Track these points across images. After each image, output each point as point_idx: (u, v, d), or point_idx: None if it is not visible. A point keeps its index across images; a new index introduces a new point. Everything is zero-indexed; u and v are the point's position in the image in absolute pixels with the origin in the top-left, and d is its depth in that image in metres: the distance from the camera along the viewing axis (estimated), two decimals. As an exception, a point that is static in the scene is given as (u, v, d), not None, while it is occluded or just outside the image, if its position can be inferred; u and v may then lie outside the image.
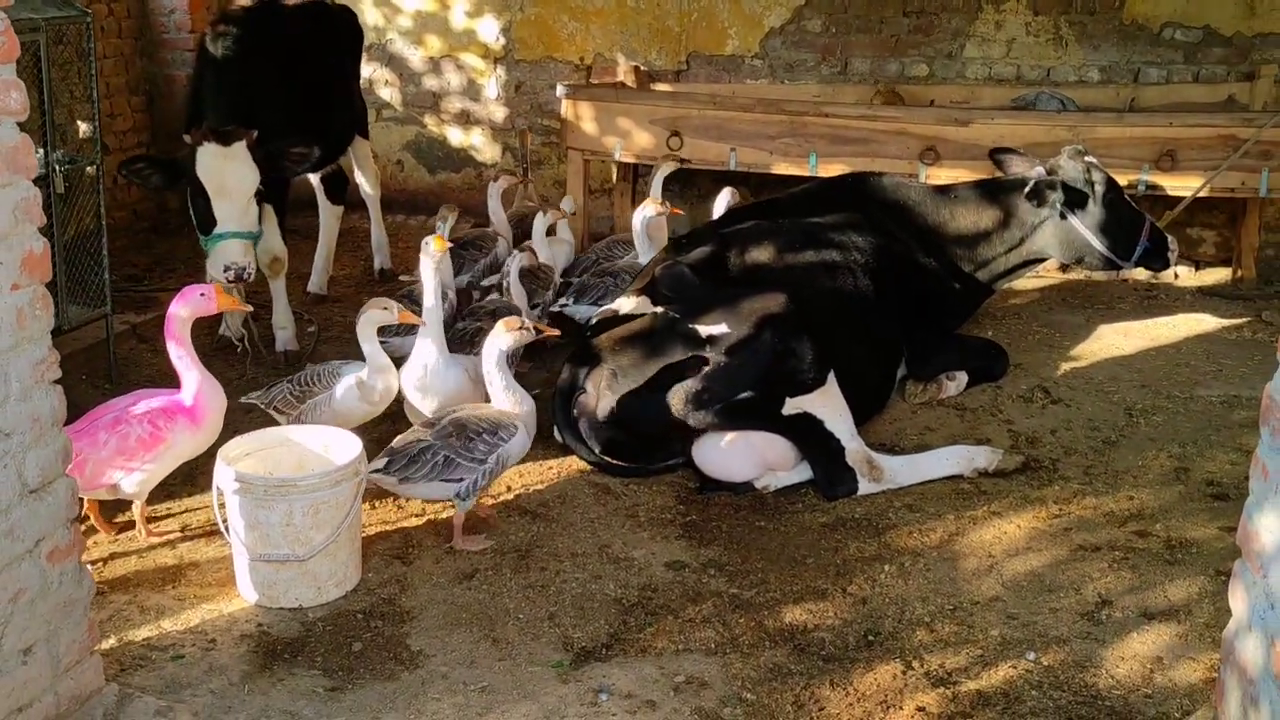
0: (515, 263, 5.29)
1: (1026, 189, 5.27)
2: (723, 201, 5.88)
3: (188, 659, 3.28)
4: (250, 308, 4.50)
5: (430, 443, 3.80)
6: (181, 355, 3.81)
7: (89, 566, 2.96)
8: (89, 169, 5.09)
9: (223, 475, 3.54)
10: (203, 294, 3.81)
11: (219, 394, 3.88)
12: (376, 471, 3.78)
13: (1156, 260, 5.50)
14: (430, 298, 4.39)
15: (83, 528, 3.96)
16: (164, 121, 7.80)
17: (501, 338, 3.97)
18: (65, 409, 2.71)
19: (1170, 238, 5.55)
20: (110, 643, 3.33)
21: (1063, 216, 5.32)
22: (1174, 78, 7.04)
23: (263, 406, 4.32)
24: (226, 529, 3.59)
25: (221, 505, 3.59)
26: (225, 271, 4.74)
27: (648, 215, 5.56)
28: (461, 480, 3.79)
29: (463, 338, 4.90)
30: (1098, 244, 5.35)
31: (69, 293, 5.02)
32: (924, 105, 6.93)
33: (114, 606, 3.53)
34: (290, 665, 3.27)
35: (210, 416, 3.84)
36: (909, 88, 7.23)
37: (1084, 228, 5.33)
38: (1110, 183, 5.39)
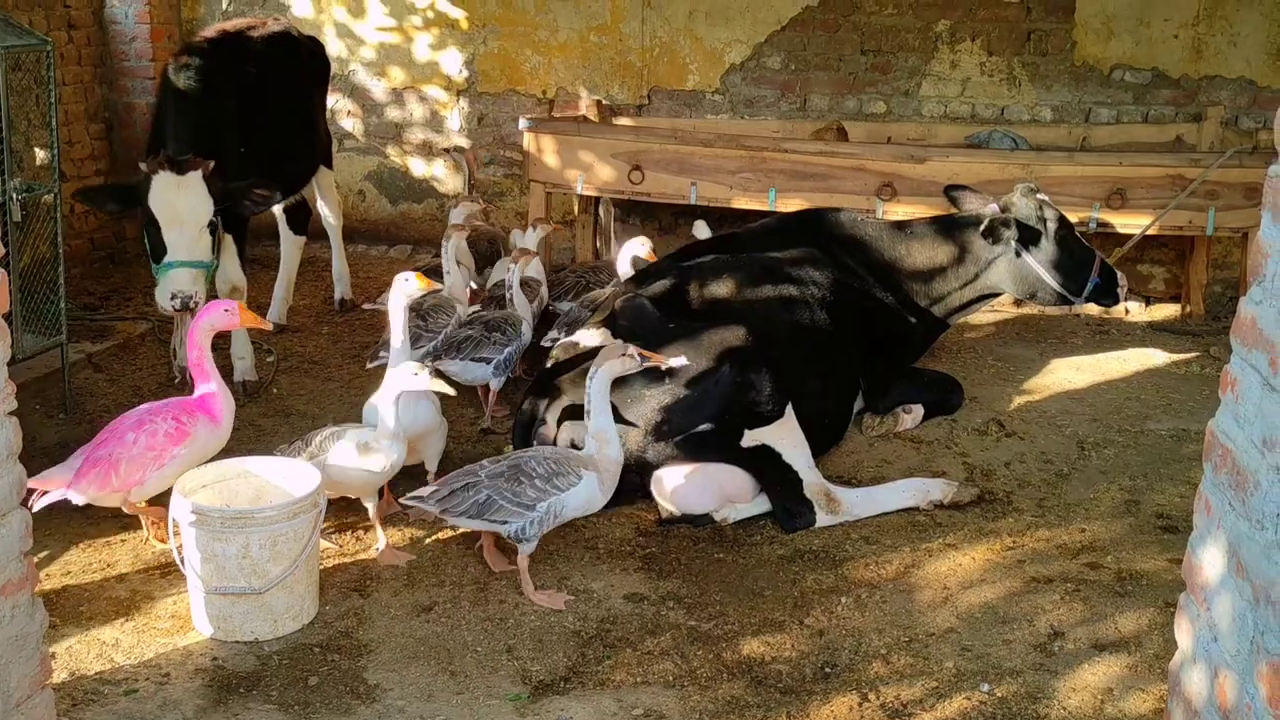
0: (516, 272, 5.32)
1: (982, 227, 5.37)
2: (700, 231, 5.95)
3: (141, 694, 3.25)
4: (270, 325, 4.35)
5: (477, 479, 3.69)
6: (200, 361, 3.90)
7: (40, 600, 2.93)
8: (46, 197, 5.06)
9: (179, 507, 3.52)
10: (226, 309, 3.91)
11: (230, 399, 3.97)
12: (416, 498, 3.72)
13: (1106, 296, 5.62)
14: (398, 334, 4.31)
15: (149, 534, 4.05)
16: (123, 149, 7.77)
17: (609, 365, 3.75)
18: (20, 441, 2.68)
19: (1120, 274, 5.66)
20: (62, 677, 3.29)
21: (1016, 254, 5.43)
22: (1124, 118, 7.21)
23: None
24: (182, 561, 3.56)
25: (177, 536, 3.56)
26: (171, 300, 4.72)
27: (636, 254, 5.55)
28: (507, 523, 3.66)
29: (452, 345, 4.95)
30: (1050, 280, 5.45)
31: (24, 321, 4.97)
32: (881, 141, 7.04)
33: (66, 641, 3.49)
34: (245, 700, 3.25)
35: (226, 416, 3.92)
36: (866, 124, 7.34)
37: (1037, 264, 5.43)
38: (1062, 220, 5.50)
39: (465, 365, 4.99)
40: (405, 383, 3.88)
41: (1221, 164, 6.10)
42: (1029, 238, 5.41)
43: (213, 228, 4.83)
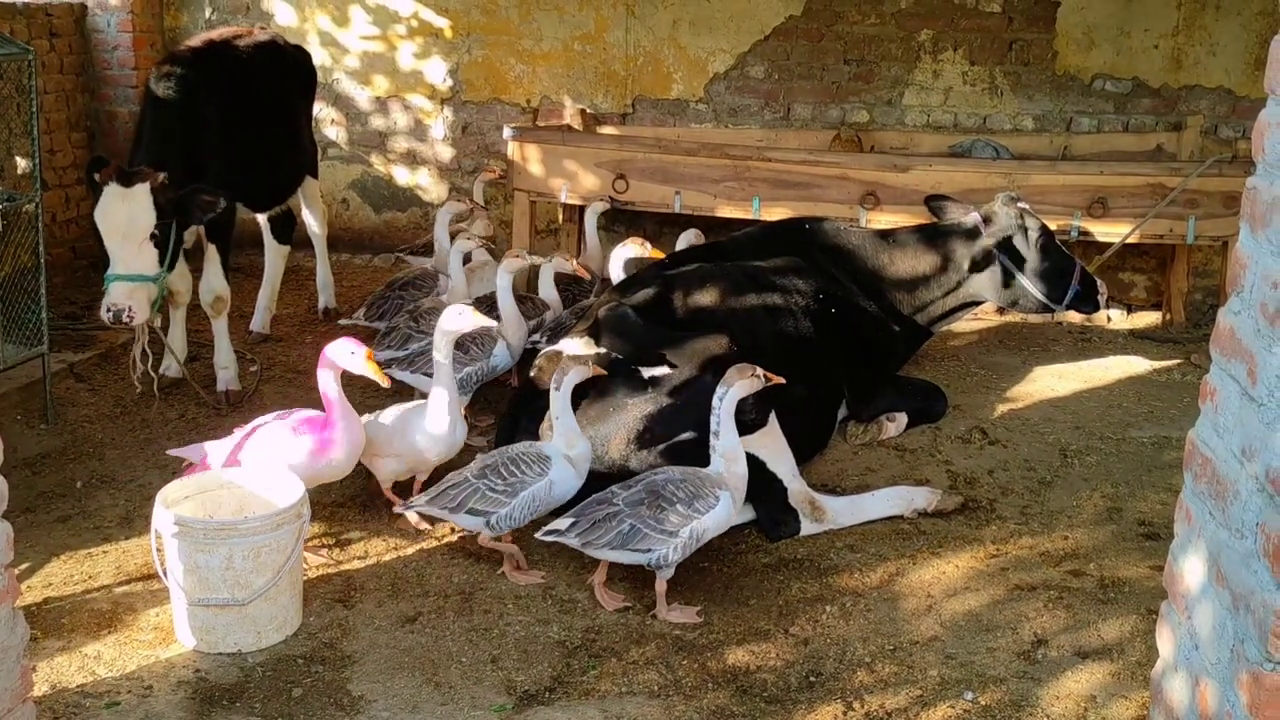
0: (549, 268, 5.38)
1: (967, 263, 5.41)
2: (684, 242, 5.95)
3: (123, 706, 3.23)
4: (388, 382, 4.12)
5: (617, 509, 3.65)
6: (326, 395, 3.94)
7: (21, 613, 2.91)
8: (28, 206, 5.04)
9: (161, 518, 3.50)
10: (352, 352, 3.91)
11: (356, 426, 3.99)
12: (556, 532, 3.70)
13: (1087, 303, 5.65)
14: (442, 352, 4.18)
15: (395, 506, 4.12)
16: (106, 158, 7.72)
17: (737, 385, 3.71)
18: (0, 452, 2.67)
19: (1100, 281, 5.70)
20: (43, 690, 3.27)
21: (993, 263, 5.46)
22: (1105, 127, 7.26)
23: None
24: (165, 573, 3.55)
25: (160, 549, 3.55)
26: (106, 313, 4.69)
27: (629, 255, 5.54)
28: (651, 551, 3.62)
29: (413, 355, 5.00)
30: (1032, 288, 5.49)
31: (5, 331, 4.95)
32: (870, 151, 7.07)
33: (47, 653, 3.47)
34: (228, 712, 3.23)
35: (339, 450, 3.93)
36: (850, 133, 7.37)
37: (1018, 272, 5.46)
38: (1043, 229, 5.53)
39: (419, 378, 4.99)
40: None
41: (1201, 173, 6.15)
42: (1010, 252, 5.44)
43: (156, 240, 4.75)
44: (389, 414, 4.28)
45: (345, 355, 3.93)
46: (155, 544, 3.56)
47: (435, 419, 4.17)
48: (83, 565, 4.02)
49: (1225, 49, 7.04)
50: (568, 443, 3.91)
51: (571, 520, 3.70)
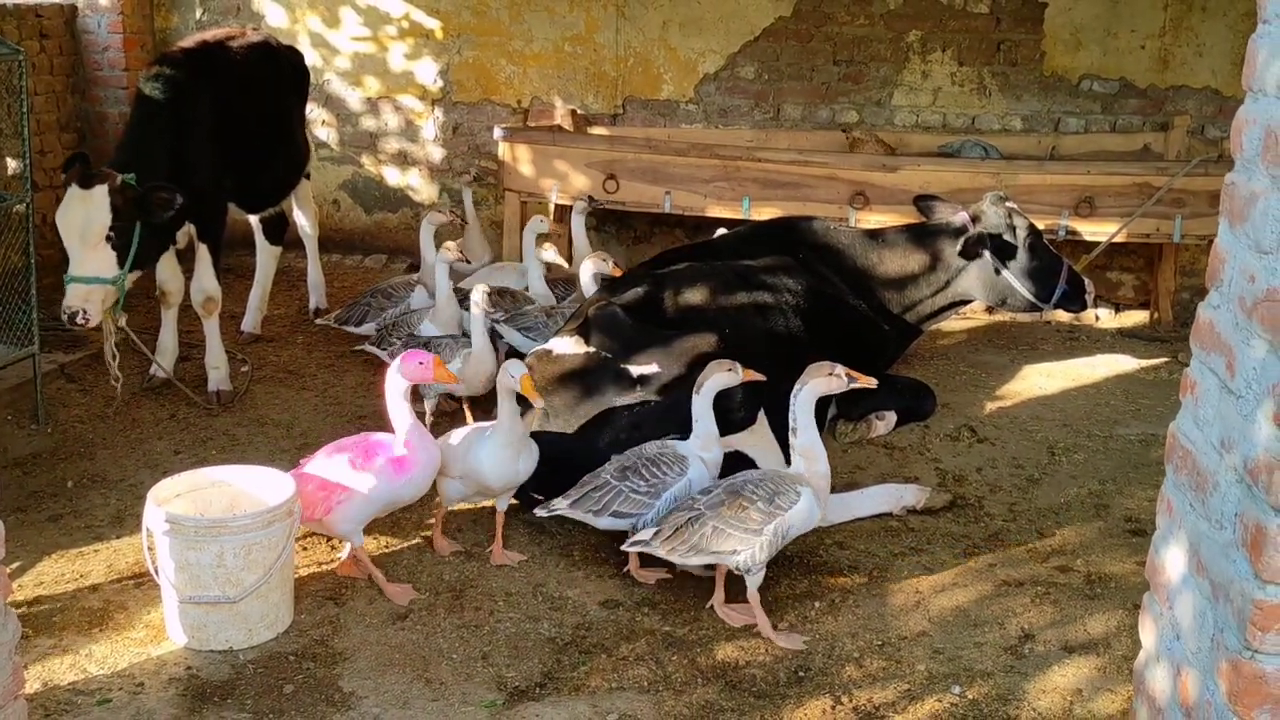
0: (588, 268, 5.38)
1: (959, 247, 5.43)
2: (592, 268, 5.78)
3: (115, 703, 3.24)
4: (460, 383, 4.04)
5: (699, 513, 3.61)
6: (395, 412, 3.80)
7: (12, 610, 2.92)
8: (18, 206, 5.04)
9: (152, 516, 3.51)
10: (420, 362, 3.78)
11: (430, 445, 3.83)
12: (642, 542, 3.68)
13: (1074, 302, 5.68)
14: (505, 406, 3.97)
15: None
16: (96, 159, 7.62)
17: (814, 383, 3.65)
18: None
19: (1087, 280, 5.73)
20: (35, 687, 3.28)
21: (983, 261, 5.49)
22: (1092, 127, 7.30)
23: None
24: (156, 571, 3.56)
25: (151, 547, 3.56)
26: (64, 314, 4.69)
27: (597, 271, 5.41)
28: (736, 553, 3.57)
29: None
30: (1020, 287, 5.52)
31: (-5, 331, 4.96)
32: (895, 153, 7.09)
33: (39, 650, 3.47)
34: (220, 709, 3.24)
35: (419, 468, 3.78)
36: (838, 134, 7.40)
37: (1006, 271, 5.50)
38: (1031, 228, 5.57)
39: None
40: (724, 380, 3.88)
41: (1187, 173, 6.19)
42: (998, 246, 5.48)
43: (113, 242, 4.73)
44: (456, 435, 4.10)
45: (414, 369, 3.77)
46: (146, 542, 3.57)
47: (499, 443, 3.96)
48: (74, 564, 4.02)
49: (1211, 49, 7.09)
50: (704, 445, 3.87)
51: (655, 529, 3.67)
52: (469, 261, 6.21)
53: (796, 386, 3.65)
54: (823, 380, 3.64)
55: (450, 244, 5.58)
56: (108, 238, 4.72)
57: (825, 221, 5.82)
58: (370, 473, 3.75)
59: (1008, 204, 5.57)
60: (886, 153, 7.02)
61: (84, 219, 4.67)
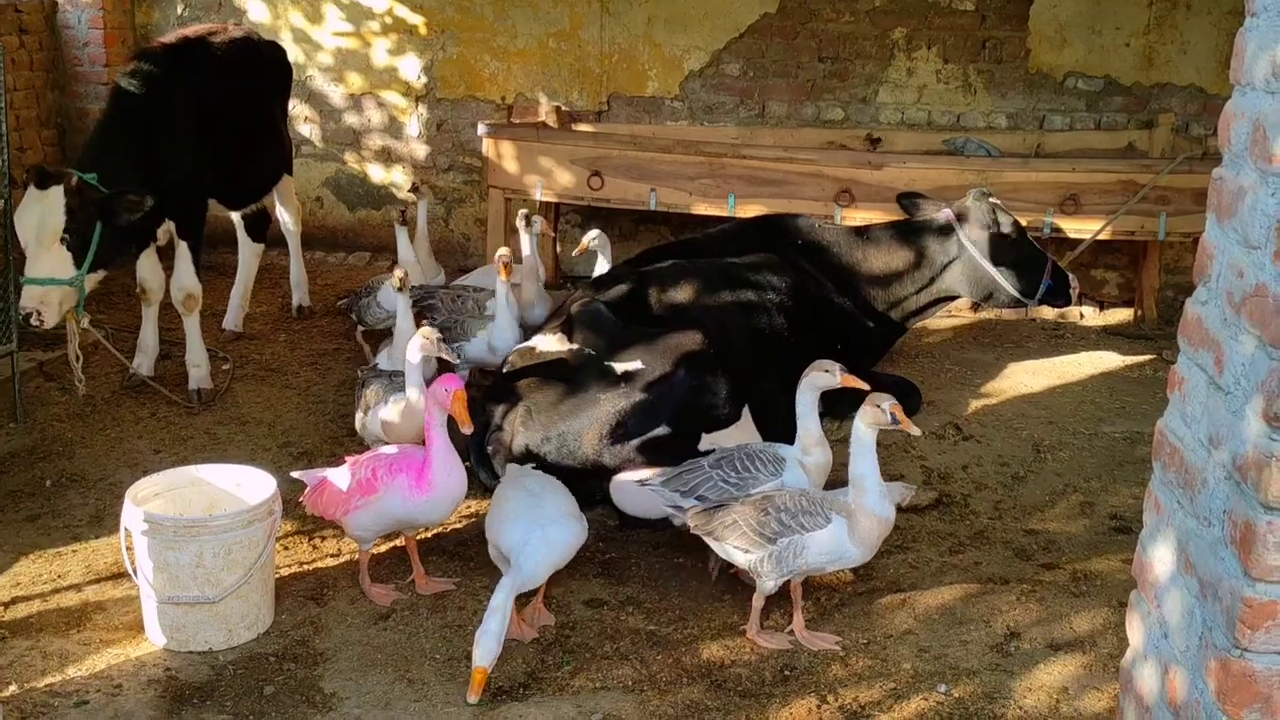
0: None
1: (942, 256, 5.44)
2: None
3: (92, 705, 3.20)
4: (470, 428, 3.69)
5: (731, 502, 3.61)
6: (431, 426, 3.67)
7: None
8: (-3, 203, 4.98)
9: (131, 516, 3.47)
10: (446, 389, 3.62)
11: (454, 471, 3.67)
12: (679, 509, 3.72)
13: (1059, 297, 5.68)
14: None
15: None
16: (76, 155, 7.64)
17: (811, 377, 3.66)
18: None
19: (1071, 275, 5.74)
20: (12, 689, 3.23)
21: (968, 258, 5.49)
22: (1077, 125, 7.30)
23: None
24: (134, 571, 3.51)
25: (129, 547, 3.52)
26: (21, 315, 4.65)
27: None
28: (748, 552, 3.50)
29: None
30: (1004, 282, 5.52)
31: (-28, 329, 4.89)
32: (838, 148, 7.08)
33: (16, 652, 3.43)
34: (199, 710, 3.21)
35: (441, 489, 3.65)
36: (824, 131, 7.38)
37: (991, 267, 5.49)
38: (1015, 224, 5.56)
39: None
40: (822, 382, 3.78)
41: (1172, 170, 6.19)
42: (983, 242, 5.48)
43: (67, 243, 4.66)
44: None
45: (441, 394, 3.64)
46: (125, 542, 3.53)
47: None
48: (52, 564, 3.98)
49: (1196, 47, 7.10)
50: (804, 448, 3.79)
51: (695, 503, 3.70)
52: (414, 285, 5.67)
53: (858, 419, 3.54)
54: (818, 375, 3.71)
55: (398, 270, 5.01)
56: (63, 239, 4.66)
57: (810, 219, 5.81)
58: (390, 487, 3.66)
59: (991, 199, 5.57)
60: (869, 148, 7.02)
61: (39, 220, 4.62)
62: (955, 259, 5.51)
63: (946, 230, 5.51)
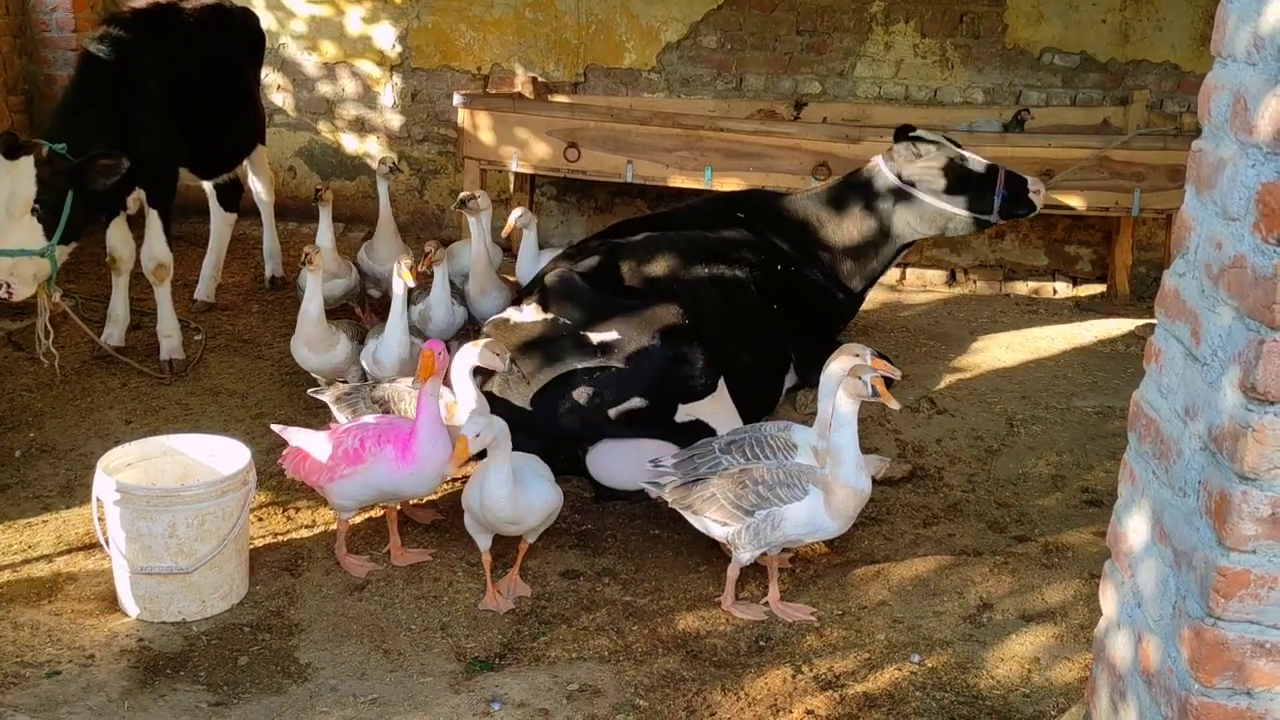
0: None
1: (885, 203, 5.36)
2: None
3: (64, 676, 3.17)
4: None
5: (709, 476, 3.58)
6: (423, 398, 3.62)
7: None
8: (-37, 171, 4.89)
9: (103, 486, 3.44)
10: (438, 354, 3.63)
11: (441, 443, 3.59)
12: (656, 484, 3.66)
13: (1020, 205, 5.47)
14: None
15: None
16: (44, 121, 7.51)
17: (838, 362, 3.54)
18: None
19: (1030, 178, 5.51)
20: (-20, 660, 3.21)
21: (908, 197, 5.39)
22: (1053, 101, 7.31)
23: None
24: (106, 541, 3.48)
25: (101, 517, 3.48)
26: None
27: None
28: (726, 525, 3.50)
29: None
30: (954, 208, 5.39)
31: (-61, 299, 4.81)
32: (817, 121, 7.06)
33: (-15, 623, 3.40)
34: (173, 681, 3.19)
35: (427, 463, 3.59)
36: (824, 105, 7.37)
37: (934, 198, 5.38)
38: (944, 147, 5.41)
39: None
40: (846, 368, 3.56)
41: (1139, 134, 6.28)
42: (919, 175, 5.36)
43: (38, 214, 4.57)
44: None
45: (441, 360, 3.66)
46: (97, 512, 3.50)
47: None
48: (22, 535, 3.94)
49: (1171, 25, 7.11)
50: (821, 432, 3.63)
51: (674, 468, 3.68)
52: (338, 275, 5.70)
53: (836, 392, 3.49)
54: (847, 359, 3.58)
55: (312, 251, 4.69)
56: (33, 209, 4.57)
57: (776, 190, 5.76)
58: (377, 458, 3.62)
59: (912, 134, 5.42)
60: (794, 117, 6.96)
61: (9, 190, 4.51)
62: (899, 203, 5.39)
63: (879, 176, 5.42)
